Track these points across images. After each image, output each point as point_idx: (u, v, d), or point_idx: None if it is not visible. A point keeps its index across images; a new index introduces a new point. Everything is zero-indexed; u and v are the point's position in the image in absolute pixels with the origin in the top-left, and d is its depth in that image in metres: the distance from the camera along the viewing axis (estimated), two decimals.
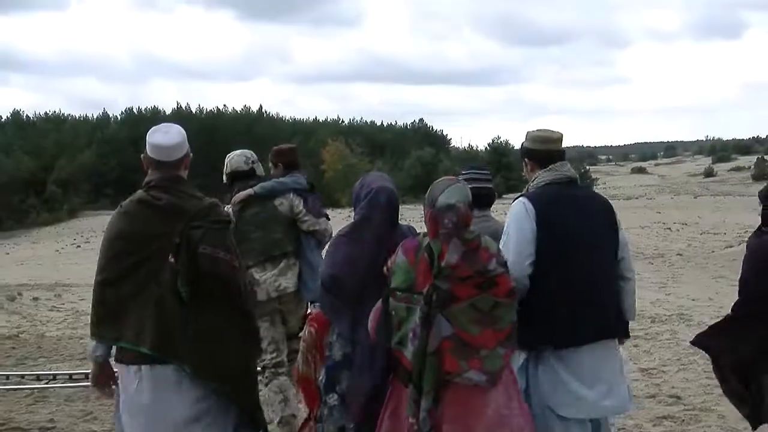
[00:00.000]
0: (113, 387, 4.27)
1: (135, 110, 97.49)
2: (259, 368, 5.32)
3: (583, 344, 4.10)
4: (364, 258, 4.11)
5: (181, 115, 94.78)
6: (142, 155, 4.41)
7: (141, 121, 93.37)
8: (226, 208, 5.47)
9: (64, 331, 13.27)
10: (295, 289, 6.40)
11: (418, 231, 4.13)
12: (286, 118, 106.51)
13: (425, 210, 3.90)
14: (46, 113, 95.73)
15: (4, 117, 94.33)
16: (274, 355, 6.35)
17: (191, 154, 4.45)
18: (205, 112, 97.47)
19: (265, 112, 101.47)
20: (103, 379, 4.28)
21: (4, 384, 9.22)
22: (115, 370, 4.27)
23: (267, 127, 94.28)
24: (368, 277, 4.05)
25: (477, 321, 3.72)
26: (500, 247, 4.01)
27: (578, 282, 4.07)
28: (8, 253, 40.27)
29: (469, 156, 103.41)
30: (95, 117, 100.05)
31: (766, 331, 4.57)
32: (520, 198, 4.22)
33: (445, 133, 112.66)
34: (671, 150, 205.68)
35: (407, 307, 3.78)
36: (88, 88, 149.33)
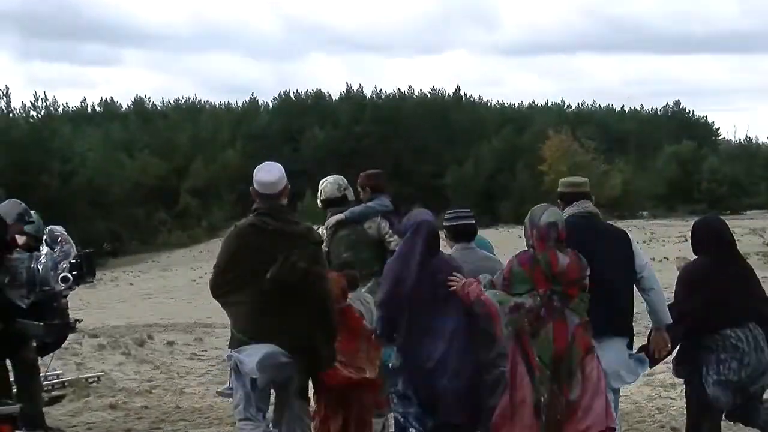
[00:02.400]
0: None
1: (292, 94, 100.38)
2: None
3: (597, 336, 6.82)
4: (410, 278, 6.77)
5: (351, 100, 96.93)
6: (250, 188, 7.28)
7: (299, 109, 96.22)
8: (320, 230, 8.69)
9: (208, 387, 13.66)
10: None
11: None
12: (492, 103, 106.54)
13: (529, 230, 6.62)
14: (177, 100, 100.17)
15: (124, 106, 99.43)
16: None
17: (289, 185, 7.34)
18: (383, 95, 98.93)
19: (464, 94, 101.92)
20: None
21: None
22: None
23: (466, 114, 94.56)
24: (413, 295, 6.75)
25: (583, 311, 6.61)
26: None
27: (594, 290, 6.71)
28: (132, 284, 41.98)
29: (744, 151, 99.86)
30: (240, 105, 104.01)
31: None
32: None
33: (710, 121, 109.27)
34: None
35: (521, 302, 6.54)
36: (229, 66, 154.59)
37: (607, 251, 7.18)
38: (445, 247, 7.26)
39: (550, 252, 6.49)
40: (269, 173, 7.25)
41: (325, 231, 9.07)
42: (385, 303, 6.94)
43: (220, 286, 7.21)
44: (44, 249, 9.35)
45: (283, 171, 7.30)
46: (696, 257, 8.22)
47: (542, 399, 6.43)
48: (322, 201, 9.45)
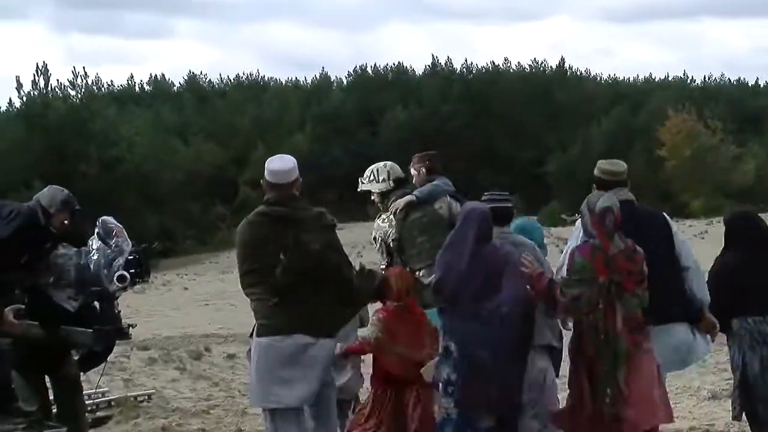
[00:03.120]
0: None
1: (369, 69, 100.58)
2: None
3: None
4: (461, 266, 7.74)
5: (438, 75, 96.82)
6: (261, 180, 8.09)
7: (377, 85, 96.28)
8: (383, 218, 9.60)
9: None
10: None
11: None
12: (601, 77, 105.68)
13: (586, 219, 7.80)
14: (237, 77, 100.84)
15: (176, 84, 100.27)
16: None
17: (301, 178, 8.18)
18: (474, 69, 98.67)
19: (568, 68, 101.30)
20: None
21: None
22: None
23: (571, 91, 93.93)
24: (463, 282, 7.71)
25: (637, 307, 7.60)
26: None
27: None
28: (187, 288, 42.88)
29: None
30: (309, 81, 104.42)
31: None
32: None
33: None
34: None
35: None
36: (296, 37, 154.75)
37: (648, 236, 8.05)
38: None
39: (605, 239, 7.62)
40: (282, 161, 8.16)
41: (392, 216, 9.51)
42: (437, 291, 7.96)
43: (242, 281, 8.06)
44: (94, 243, 9.33)
45: (296, 162, 8.20)
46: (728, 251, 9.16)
47: (607, 392, 7.51)
48: (394, 181, 9.76)
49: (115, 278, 9.18)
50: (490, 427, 7.69)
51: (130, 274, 9.26)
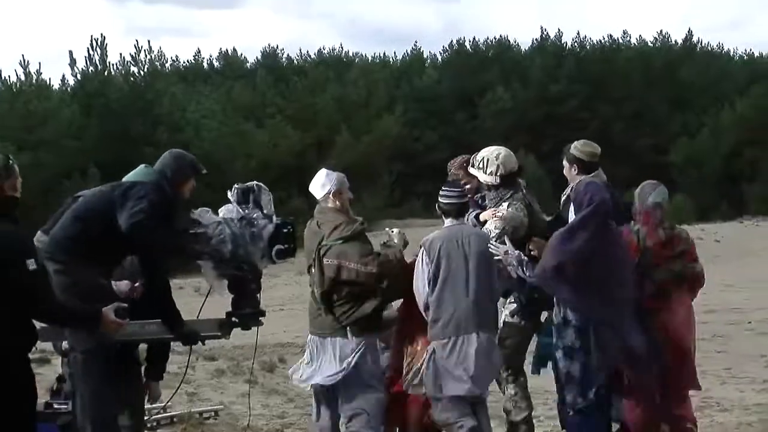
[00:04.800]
0: None
1: (467, 44, 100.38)
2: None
3: None
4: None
5: (546, 51, 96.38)
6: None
7: (477, 63, 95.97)
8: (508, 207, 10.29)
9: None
10: None
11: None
12: (735, 53, 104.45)
13: (638, 206, 9.96)
14: (318, 53, 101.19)
15: (250, 60, 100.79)
16: None
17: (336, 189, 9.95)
18: (588, 44, 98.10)
19: (697, 41, 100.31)
20: None
21: None
22: None
23: (700, 69, 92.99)
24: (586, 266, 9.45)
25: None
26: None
27: None
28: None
29: None
30: (398, 57, 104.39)
31: None
32: None
33: None
34: None
35: None
36: (384, 8, 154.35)
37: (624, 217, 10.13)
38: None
39: (651, 228, 9.89)
40: (315, 178, 10.19)
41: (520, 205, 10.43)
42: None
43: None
44: (232, 209, 9.41)
45: (330, 176, 10.12)
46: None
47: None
48: (501, 177, 10.47)
49: (273, 253, 9.28)
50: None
51: (284, 249, 9.31)
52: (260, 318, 9.58)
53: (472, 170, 10.61)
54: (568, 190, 10.58)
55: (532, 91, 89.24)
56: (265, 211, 9.43)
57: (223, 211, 9.40)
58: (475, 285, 9.65)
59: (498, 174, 10.39)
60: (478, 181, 10.64)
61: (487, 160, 10.47)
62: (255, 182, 9.66)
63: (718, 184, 78.98)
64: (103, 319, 7.44)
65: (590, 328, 9.57)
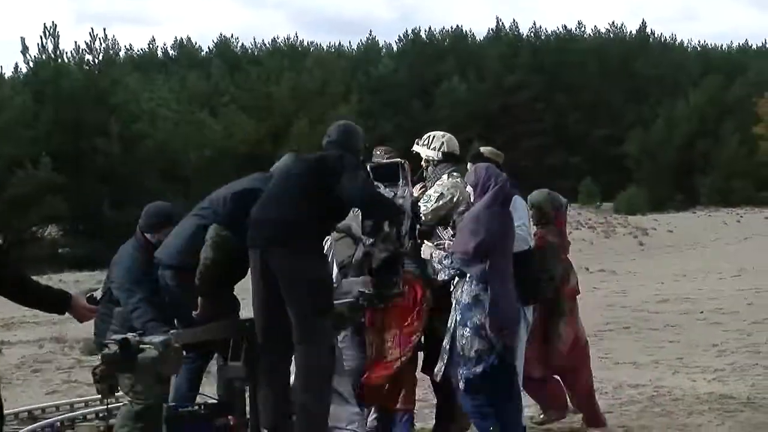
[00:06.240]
0: None
1: (423, 34, 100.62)
2: None
3: None
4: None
5: (501, 41, 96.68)
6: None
7: (433, 53, 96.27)
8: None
9: None
10: None
11: None
12: (689, 45, 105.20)
13: (549, 211, 11.70)
14: (273, 42, 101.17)
15: (204, 48, 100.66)
16: None
17: None
18: (543, 34, 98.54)
19: (651, 33, 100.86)
20: None
21: None
22: None
23: (654, 60, 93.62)
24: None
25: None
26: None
27: None
28: None
29: None
30: (353, 47, 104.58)
31: None
32: None
33: None
34: None
35: None
36: None
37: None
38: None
39: (564, 228, 11.83)
40: None
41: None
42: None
43: None
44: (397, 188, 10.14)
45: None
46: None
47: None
48: (443, 153, 10.91)
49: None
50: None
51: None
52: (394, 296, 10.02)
53: (416, 147, 11.04)
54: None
55: (487, 82, 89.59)
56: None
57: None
58: None
59: (441, 150, 10.87)
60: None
61: (433, 137, 10.98)
62: (399, 159, 10.33)
63: (672, 175, 79.55)
64: (73, 303, 7.12)
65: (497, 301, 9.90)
